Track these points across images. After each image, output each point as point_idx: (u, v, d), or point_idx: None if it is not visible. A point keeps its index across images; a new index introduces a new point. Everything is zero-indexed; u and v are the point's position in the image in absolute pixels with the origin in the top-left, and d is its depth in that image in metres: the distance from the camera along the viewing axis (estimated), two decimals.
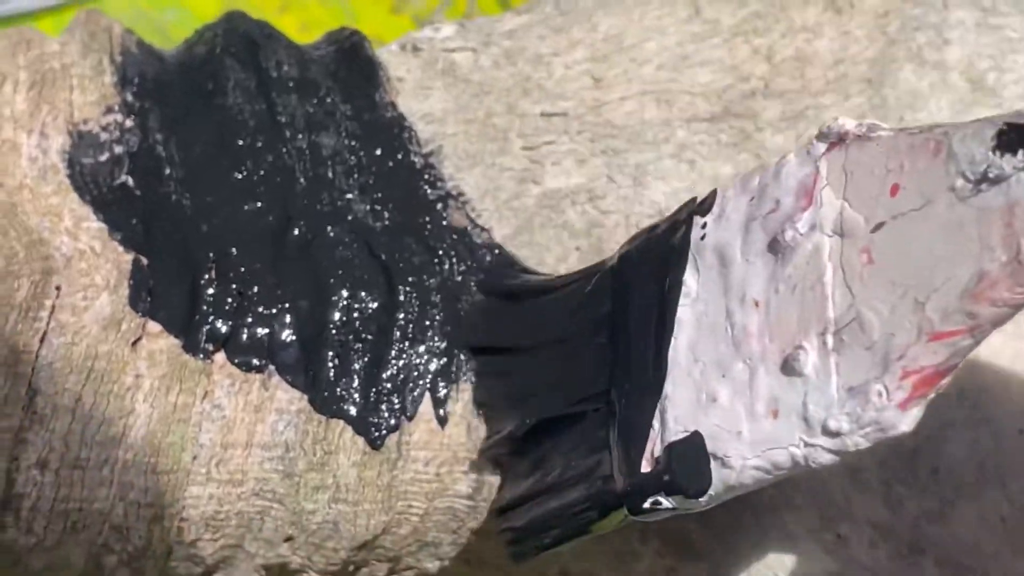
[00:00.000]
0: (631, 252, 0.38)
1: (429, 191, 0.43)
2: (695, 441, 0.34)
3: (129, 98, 0.43)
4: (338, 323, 0.41)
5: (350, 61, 0.45)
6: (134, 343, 0.39)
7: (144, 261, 0.40)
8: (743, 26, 0.46)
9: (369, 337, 0.41)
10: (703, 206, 0.37)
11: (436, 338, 0.41)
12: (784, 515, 0.41)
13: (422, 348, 0.41)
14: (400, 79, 0.45)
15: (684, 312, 0.36)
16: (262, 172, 0.42)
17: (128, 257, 0.40)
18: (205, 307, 0.40)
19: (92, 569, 0.39)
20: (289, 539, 0.40)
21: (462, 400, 0.41)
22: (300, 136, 0.43)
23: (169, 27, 0.67)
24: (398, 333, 0.41)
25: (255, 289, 0.40)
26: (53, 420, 0.38)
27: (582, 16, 0.46)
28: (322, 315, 0.41)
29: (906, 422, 0.32)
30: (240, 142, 0.43)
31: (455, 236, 0.42)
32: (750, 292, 0.35)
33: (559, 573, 0.43)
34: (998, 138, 0.29)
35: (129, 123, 0.43)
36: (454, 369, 0.41)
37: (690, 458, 0.34)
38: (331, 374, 0.40)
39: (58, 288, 0.39)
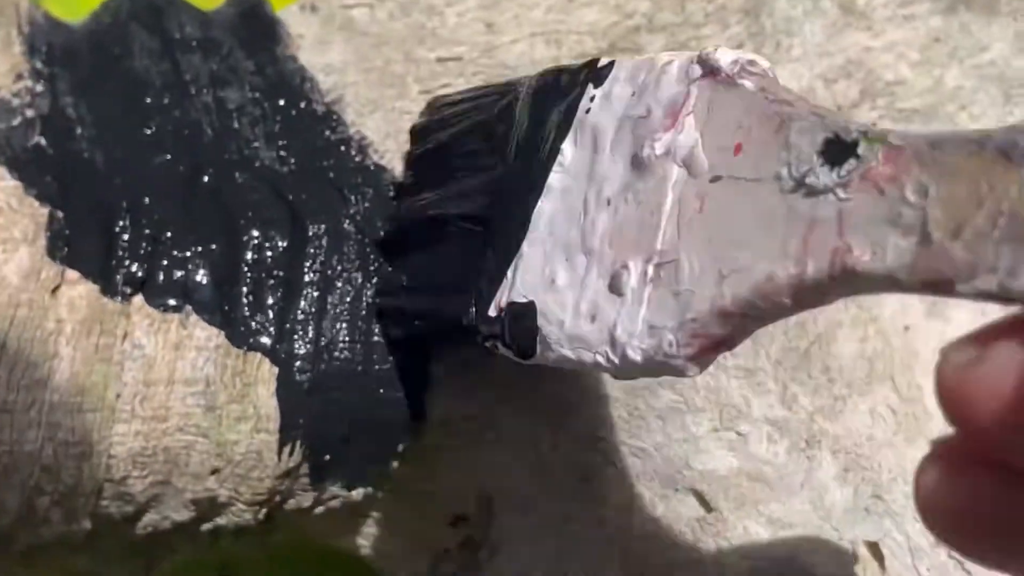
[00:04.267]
0: (537, 92, 0.39)
1: (332, 136, 0.45)
2: (529, 312, 0.36)
3: (38, 65, 0.45)
4: (250, 262, 0.42)
5: (251, 20, 0.47)
6: (54, 290, 0.41)
7: (60, 214, 0.42)
8: None
9: (280, 273, 0.43)
10: (600, 76, 0.36)
11: (350, 269, 0.43)
12: (686, 417, 0.43)
13: (337, 281, 0.43)
14: (300, 36, 0.47)
15: (555, 179, 0.36)
16: (170, 127, 0.44)
17: (44, 211, 0.42)
18: (120, 252, 0.42)
19: (26, 512, 0.41)
20: (215, 471, 0.42)
21: (376, 328, 0.43)
22: (205, 91, 0.45)
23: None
24: (308, 267, 0.43)
25: (168, 234, 0.42)
26: None
27: None
28: (234, 255, 0.42)
29: (692, 371, 0.33)
30: (148, 100, 0.45)
31: (360, 175, 0.44)
32: (606, 190, 0.35)
33: (478, 489, 0.45)
34: (825, 145, 0.30)
35: (39, 88, 0.44)
36: (368, 297, 0.43)
37: (524, 325, 0.36)
38: (246, 310, 0.42)
39: None
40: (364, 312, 0.43)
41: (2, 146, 0.43)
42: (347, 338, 0.43)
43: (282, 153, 0.45)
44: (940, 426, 0.43)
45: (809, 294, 0.30)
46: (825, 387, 0.43)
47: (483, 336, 0.37)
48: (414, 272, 0.42)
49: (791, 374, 0.43)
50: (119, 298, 0.41)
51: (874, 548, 0.42)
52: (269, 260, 0.43)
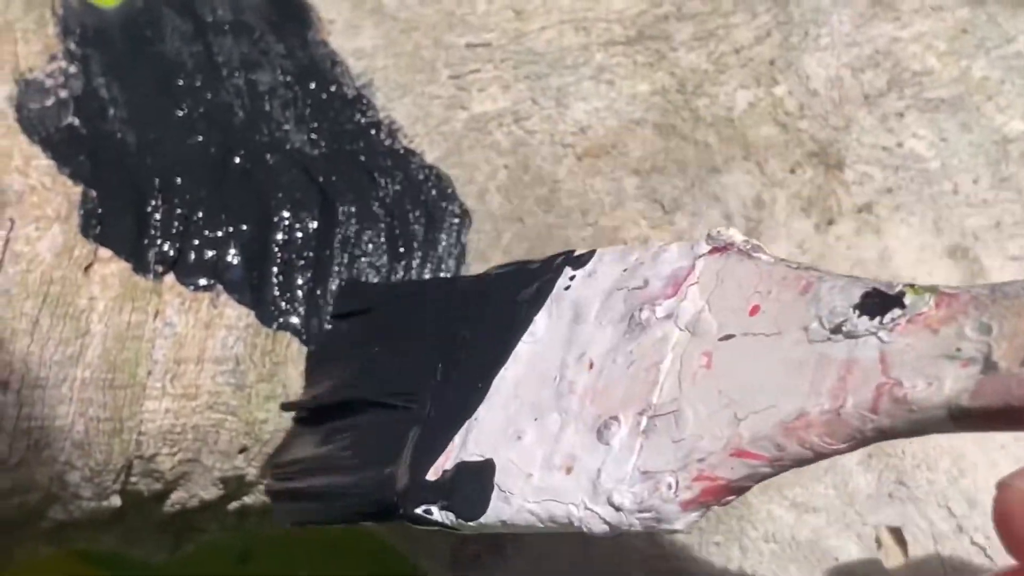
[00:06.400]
0: (501, 276, 0.39)
1: (362, 119, 0.46)
2: (486, 469, 0.34)
3: (72, 47, 0.45)
4: (280, 242, 0.43)
5: (282, 4, 0.48)
6: (87, 268, 0.41)
7: (93, 193, 0.42)
8: None
9: (310, 254, 0.43)
10: (579, 260, 0.37)
11: (377, 251, 0.43)
12: None
13: (364, 261, 0.43)
14: (331, 21, 0.48)
15: (523, 348, 0.36)
16: (202, 109, 0.45)
17: (77, 189, 0.42)
18: (153, 231, 0.42)
19: (57, 488, 0.41)
20: (244, 450, 0.42)
21: None
22: (237, 74, 0.45)
23: None
24: (338, 248, 0.43)
25: (200, 214, 0.43)
26: (12, 343, 0.40)
27: None
28: (265, 236, 0.43)
29: (682, 522, 0.31)
30: (180, 82, 0.45)
31: (389, 158, 0.45)
32: (590, 353, 0.34)
33: None
34: (863, 299, 0.30)
35: (73, 69, 0.45)
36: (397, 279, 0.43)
37: (475, 483, 0.34)
38: (276, 290, 0.42)
39: (12, 221, 0.41)
40: None
41: (36, 126, 0.44)
42: None
43: (313, 136, 0.45)
44: None
45: (844, 431, 0.29)
46: None
47: (410, 506, 0.35)
48: (319, 454, 0.40)
49: None
50: (151, 276, 0.42)
51: (897, 534, 0.42)
52: (299, 241, 0.43)
